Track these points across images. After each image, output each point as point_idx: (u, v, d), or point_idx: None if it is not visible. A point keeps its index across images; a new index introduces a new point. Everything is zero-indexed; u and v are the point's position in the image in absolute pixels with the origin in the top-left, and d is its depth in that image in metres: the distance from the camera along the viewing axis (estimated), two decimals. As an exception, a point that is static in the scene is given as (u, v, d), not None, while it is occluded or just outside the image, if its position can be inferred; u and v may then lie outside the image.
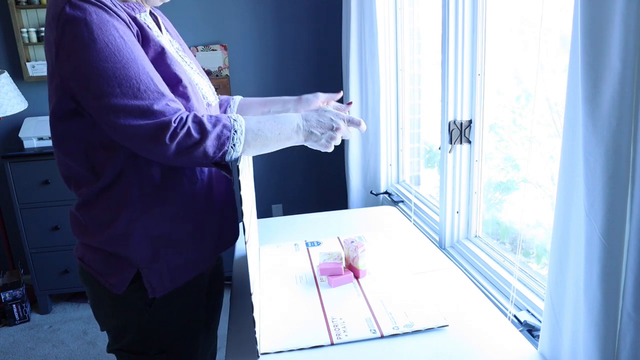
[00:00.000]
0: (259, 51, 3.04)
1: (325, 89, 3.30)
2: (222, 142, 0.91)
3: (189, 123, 0.89)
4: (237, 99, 1.35)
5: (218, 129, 0.91)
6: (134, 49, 0.88)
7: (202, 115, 0.92)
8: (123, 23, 0.89)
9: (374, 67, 2.24)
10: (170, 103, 0.89)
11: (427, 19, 2.15)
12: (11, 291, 2.63)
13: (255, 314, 0.91)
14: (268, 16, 3.00)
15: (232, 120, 0.94)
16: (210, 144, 0.90)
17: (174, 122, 0.87)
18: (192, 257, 1.04)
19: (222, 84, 2.92)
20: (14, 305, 2.64)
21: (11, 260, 2.86)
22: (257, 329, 0.93)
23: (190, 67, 1.09)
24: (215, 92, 1.20)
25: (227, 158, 0.93)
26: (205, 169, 1.04)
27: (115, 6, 0.90)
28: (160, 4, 1.02)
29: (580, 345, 0.82)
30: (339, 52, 2.67)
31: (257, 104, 1.32)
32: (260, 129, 0.96)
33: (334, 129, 1.04)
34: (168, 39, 1.07)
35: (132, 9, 0.95)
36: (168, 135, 0.87)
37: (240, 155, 0.95)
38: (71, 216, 1.04)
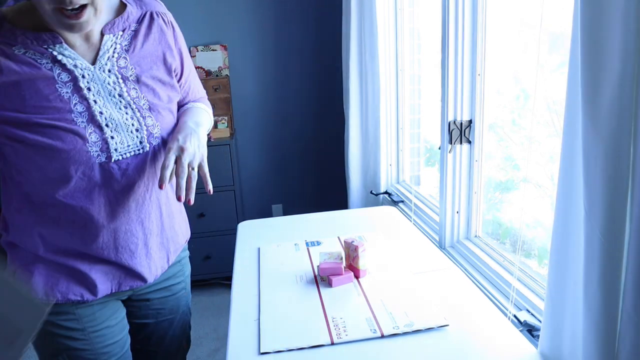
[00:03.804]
0: (259, 51, 3.04)
1: (325, 88, 3.32)
2: None
3: None
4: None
5: None
6: None
7: None
8: None
9: (374, 67, 2.24)
10: None
11: (427, 19, 2.15)
12: None
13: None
14: (268, 16, 3.00)
15: None
16: None
17: None
18: None
19: (222, 84, 2.92)
20: None
21: None
22: (257, 328, 0.93)
23: (119, 111, 0.98)
24: (153, 141, 1.03)
25: None
26: None
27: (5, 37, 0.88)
28: (80, 31, 0.91)
29: (580, 345, 0.81)
30: (339, 52, 2.67)
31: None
32: None
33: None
34: (100, 74, 0.97)
35: (44, 40, 0.90)
36: None
37: None
38: None
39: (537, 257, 1.48)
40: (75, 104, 0.94)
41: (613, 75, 0.69)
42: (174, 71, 1.10)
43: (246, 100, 3.11)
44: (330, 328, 1.00)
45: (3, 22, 0.90)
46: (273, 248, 1.41)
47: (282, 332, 1.00)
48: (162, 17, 1.09)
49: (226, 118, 2.91)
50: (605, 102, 0.70)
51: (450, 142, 1.61)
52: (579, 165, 0.77)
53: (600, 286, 0.74)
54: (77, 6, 0.85)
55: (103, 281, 1.04)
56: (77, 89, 0.94)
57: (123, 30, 1.01)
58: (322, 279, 1.20)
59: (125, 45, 1.01)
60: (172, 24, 1.12)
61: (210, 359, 2.34)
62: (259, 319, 1.05)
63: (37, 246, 1.00)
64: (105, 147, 0.96)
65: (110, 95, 0.98)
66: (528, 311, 1.24)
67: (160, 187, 0.96)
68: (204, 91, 1.31)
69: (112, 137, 0.97)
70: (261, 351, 0.94)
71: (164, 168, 0.97)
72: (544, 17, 1.14)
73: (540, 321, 1.17)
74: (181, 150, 1.00)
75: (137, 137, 1.01)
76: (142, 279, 1.09)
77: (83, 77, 0.95)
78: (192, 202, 1.00)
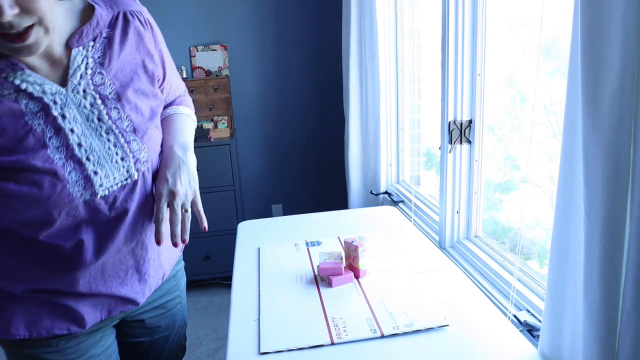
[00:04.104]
0: (259, 51, 3.04)
1: (325, 88, 3.32)
2: None
3: None
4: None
5: None
6: None
7: None
8: None
9: (374, 67, 2.24)
10: None
11: (427, 19, 2.15)
12: None
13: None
14: (268, 16, 3.00)
15: None
16: None
17: None
18: None
19: (222, 84, 2.92)
20: None
21: None
22: (257, 328, 0.93)
23: (100, 139, 0.86)
24: (141, 167, 0.93)
25: None
26: None
27: None
28: (31, 55, 0.77)
29: (580, 345, 0.81)
30: (339, 52, 2.67)
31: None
32: None
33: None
34: (74, 97, 0.84)
35: (1, 70, 0.77)
36: None
37: None
38: None
39: (538, 258, 1.48)
40: (50, 137, 0.81)
41: (613, 76, 0.69)
42: (157, 77, 0.98)
43: (246, 100, 3.11)
44: (330, 328, 1.00)
45: None
46: (273, 248, 1.41)
47: (282, 332, 1.00)
48: (137, 17, 0.94)
49: (226, 118, 2.91)
50: (605, 102, 0.70)
51: (450, 142, 1.61)
52: (579, 166, 0.77)
53: (600, 286, 0.74)
54: (20, 29, 0.71)
55: (91, 312, 0.95)
56: (49, 119, 0.81)
57: (94, 40, 0.86)
58: (322, 279, 1.20)
59: (99, 57, 0.87)
60: (149, 24, 0.97)
61: (210, 359, 2.34)
62: (259, 319, 1.05)
63: (16, 285, 0.89)
64: (88, 184, 0.85)
65: (88, 121, 0.85)
66: (528, 311, 1.24)
67: (158, 243, 0.90)
68: (184, 84, 1.19)
69: (95, 173, 0.85)
70: (261, 351, 0.94)
71: (157, 222, 0.91)
72: (546, 17, 1.14)
73: (540, 321, 1.17)
74: (172, 195, 0.93)
75: (123, 167, 0.89)
76: (134, 303, 1.01)
77: (55, 102, 0.81)
78: (187, 241, 0.95)
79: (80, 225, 0.87)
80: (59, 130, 0.82)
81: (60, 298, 0.91)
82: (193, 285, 3.02)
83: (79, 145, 0.84)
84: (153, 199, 0.96)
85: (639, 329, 0.70)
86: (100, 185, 0.87)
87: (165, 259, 1.07)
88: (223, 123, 2.88)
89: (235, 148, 2.92)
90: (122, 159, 0.89)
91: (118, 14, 0.91)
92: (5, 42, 0.72)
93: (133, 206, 0.92)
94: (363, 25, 2.28)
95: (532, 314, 1.23)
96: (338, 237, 1.46)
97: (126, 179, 0.90)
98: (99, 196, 0.86)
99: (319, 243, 1.43)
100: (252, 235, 1.54)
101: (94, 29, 0.87)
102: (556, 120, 1.31)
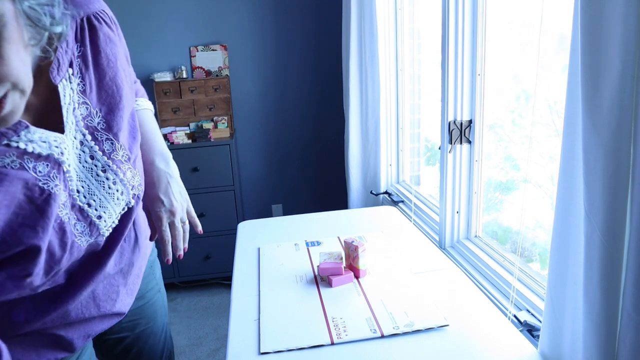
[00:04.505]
0: (259, 51, 3.04)
1: (325, 88, 3.32)
2: None
3: None
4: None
5: None
6: None
7: None
8: None
9: (374, 67, 2.24)
10: None
11: (427, 19, 2.15)
12: None
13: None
14: (268, 16, 3.00)
15: None
16: None
17: None
18: None
19: (222, 84, 2.92)
20: None
21: None
22: (257, 328, 0.93)
23: (97, 179, 0.77)
24: (136, 191, 0.85)
25: None
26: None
27: None
28: (8, 124, 0.61)
29: (580, 345, 0.81)
30: (339, 52, 2.67)
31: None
32: None
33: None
34: (71, 140, 0.72)
35: (1, 134, 0.64)
36: None
37: None
38: None
39: (540, 260, 1.48)
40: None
41: (613, 75, 0.69)
42: (130, 78, 0.86)
43: (246, 100, 3.11)
44: (330, 328, 1.00)
45: None
46: (273, 248, 1.41)
47: (282, 332, 1.00)
48: (103, 19, 0.77)
49: (226, 118, 2.91)
50: (605, 102, 0.70)
51: (450, 142, 1.61)
52: (579, 165, 0.77)
53: (600, 286, 0.74)
54: None
55: (80, 336, 0.88)
56: (61, 177, 0.70)
57: (71, 65, 0.72)
58: (322, 279, 1.20)
59: (79, 84, 0.73)
60: (114, 21, 0.81)
61: (210, 359, 2.34)
62: (259, 319, 1.05)
63: (6, 330, 0.78)
64: (94, 230, 0.77)
65: (80, 162, 0.74)
66: (528, 311, 1.24)
67: (168, 262, 0.92)
68: (133, 72, 1.00)
69: (99, 217, 0.77)
70: (261, 351, 0.94)
71: (164, 243, 0.91)
72: (546, 18, 1.14)
73: (540, 321, 1.17)
74: (172, 214, 0.93)
75: (123, 201, 0.82)
76: (122, 314, 0.95)
77: (62, 154, 0.69)
78: (186, 249, 0.97)
79: (73, 264, 0.79)
80: (65, 184, 0.71)
81: (49, 329, 0.83)
82: (193, 285, 3.02)
83: (78, 192, 0.74)
84: (139, 214, 0.95)
85: (639, 329, 0.70)
86: (105, 227, 0.80)
87: (144, 255, 1.02)
88: (223, 123, 2.88)
89: (235, 148, 2.92)
90: (122, 193, 0.81)
91: (82, 20, 0.74)
92: None
93: (125, 231, 0.87)
94: (363, 25, 2.28)
95: (532, 314, 1.23)
96: (338, 237, 1.46)
97: (124, 210, 0.84)
98: (104, 237, 0.81)
99: (319, 243, 1.43)
100: (252, 235, 1.54)
101: (66, 52, 0.71)
102: (559, 119, 1.31)
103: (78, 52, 0.73)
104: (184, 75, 2.89)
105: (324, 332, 0.99)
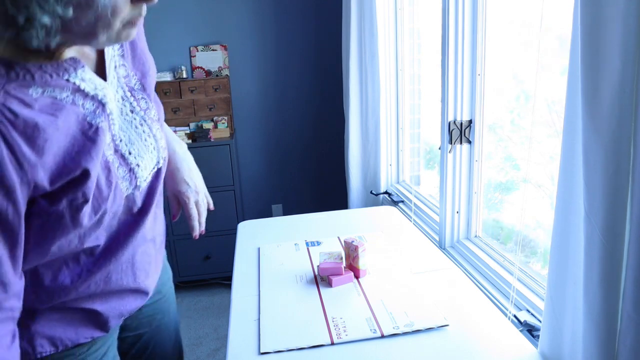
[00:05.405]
0: (259, 51, 3.04)
1: (325, 88, 3.32)
2: None
3: None
4: None
5: None
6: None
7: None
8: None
9: (374, 67, 2.24)
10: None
11: (427, 19, 2.15)
12: None
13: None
14: (268, 16, 3.00)
15: None
16: None
17: None
18: None
19: (222, 84, 2.92)
20: None
21: None
22: (257, 328, 0.93)
23: (136, 131, 0.84)
24: (162, 154, 0.91)
25: None
26: None
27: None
28: (105, 46, 0.74)
29: (580, 345, 0.81)
30: (339, 52, 2.67)
31: None
32: None
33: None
34: (113, 91, 0.79)
35: (65, 69, 0.69)
36: None
37: None
38: None
39: (543, 259, 1.48)
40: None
41: (613, 75, 0.69)
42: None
43: (246, 100, 3.11)
44: (330, 328, 1.00)
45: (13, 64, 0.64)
46: (273, 248, 1.41)
47: (282, 332, 1.00)
48: None
49: (226, 118, 2.91)
50: (605, 102, 0.70)
51: (450, 142, 1.61)
52: (579, 165, 0.77)
53: (600, 286, 0.74)
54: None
55: (115, 315, 0.91)
56: (105, 117, 0.76)
57: None
58: (322, 279, 1.20)
59: (119, 49, 0.82)
60: None
61: (210, 359, 2.34)
62: (259, 319, 1.05)
63: (45, 301, 0.81)
64: (134, 178, 0.82)
65: (122, 114, 0.81)
66: (528, 311, 1.24)
67: (195, 237, 1.07)
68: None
69: (138, 165, 0.83)
70: (261, 351, 0.94)
71: (192, 219, 1.07)
72: (546, 18, 1.14)
73: (540, 321, 1.17)
74: (197, 194, 1.08)
75: (155, 156, 0.88)
76: (147, 294, 0.97)
77: (105, 97, 0.76)
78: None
79: (114, 221, 0.83)
80: (109, 127, 0.77)
81: (86, 302, 0.86)
82: (193, 285, 3.02)
83: (120, 140, 0.80)
84: (164, 184, 1.03)
85: (639, 329, 0.70)
86: (142, 178, 0.84)
87: (163, 240, 1.05)
88: (223, 123, 2.88)
89: (235, 148, 2.92)
90: (154, 148, 0.88)
91: None
92: (124, 30, 0.66)
93: (157, 193, 0.92)
94: (363, 25, 2.28)
95: (532, 314, 1.23)
96: (338, 237, 1.46)
97: (154, 168, 0.89)
98: (140, 189, 0.85)
99: (319, 243, 1.43)
100: (252, 235, 1.54)
101: None
102: (559, 120, 1.31)
103: None
104: (184, 75, 2.89)
105: (324, 332, 0.99)
